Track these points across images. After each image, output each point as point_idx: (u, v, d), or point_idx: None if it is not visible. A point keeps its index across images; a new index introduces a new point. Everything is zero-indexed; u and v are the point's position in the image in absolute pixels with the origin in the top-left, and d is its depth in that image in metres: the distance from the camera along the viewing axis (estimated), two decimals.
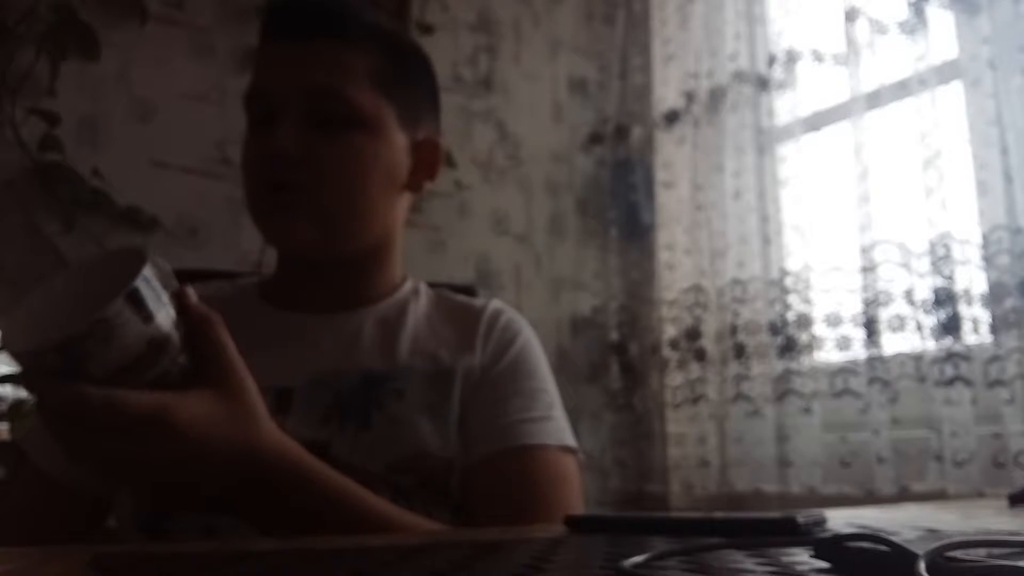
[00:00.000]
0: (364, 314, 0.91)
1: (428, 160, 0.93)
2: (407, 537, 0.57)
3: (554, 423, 0.88)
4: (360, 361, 0.86)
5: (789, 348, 1.91)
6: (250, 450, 0.64)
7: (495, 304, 0.95)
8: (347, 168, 0.84)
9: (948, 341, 1.63)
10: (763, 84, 2.08)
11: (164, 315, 0.58)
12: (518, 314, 0.96)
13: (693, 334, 2.11)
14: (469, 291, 1.12)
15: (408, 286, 0.97)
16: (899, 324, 1.72)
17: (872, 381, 1.73)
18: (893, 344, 1.73)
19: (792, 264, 1.95)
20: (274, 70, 0.85)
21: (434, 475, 0.82)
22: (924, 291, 1.69)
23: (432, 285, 1.00)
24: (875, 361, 1.73)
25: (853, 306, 1.82)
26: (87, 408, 0.55)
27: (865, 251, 1.77)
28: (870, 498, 1.68)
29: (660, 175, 2.30)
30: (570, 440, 0.88)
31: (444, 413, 0.84)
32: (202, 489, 0.63)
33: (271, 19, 0.87)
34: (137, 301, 0.56)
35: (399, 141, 0.88)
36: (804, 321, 1.90)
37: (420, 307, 0.94)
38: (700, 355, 2.09)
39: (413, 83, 0.92)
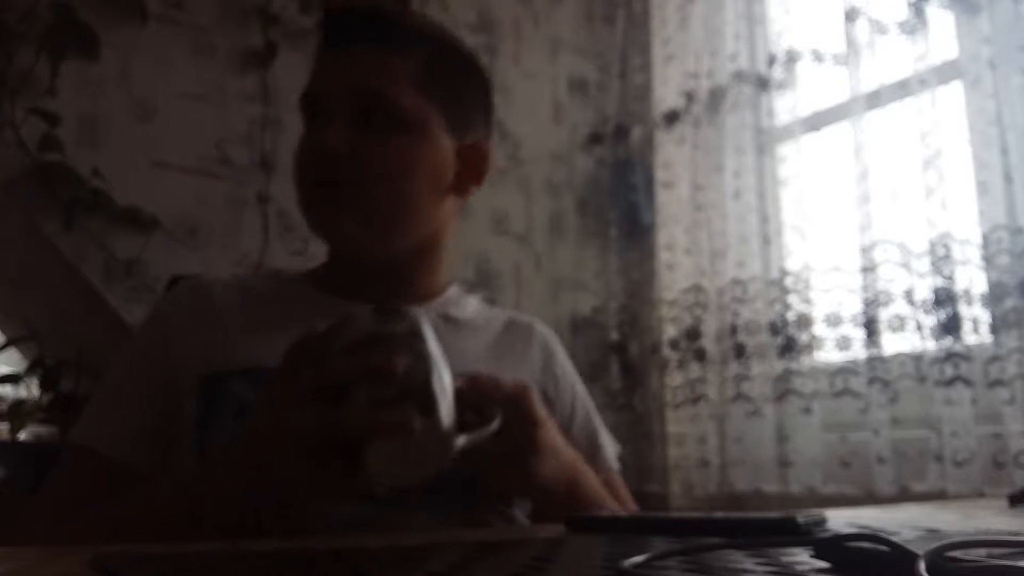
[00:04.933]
0: (427, 310, 0.91)
1: (475, 165, 0.95)
2: (406, 538, 0.57)
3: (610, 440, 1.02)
4: None
5: (789, 348, 1.91)
6: (570, 453, 0.79)
7: (539, 325, 1.03)
8: (392, 168, 0.87)
9: (948, 341, 1.63)
10: (763, 84, 2.07)
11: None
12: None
13: (693, 334, 2.11)
14: None
15: (454, 290, 1.00)
16: (899, 324, 1.72)
17: (872, 381, 1.73)
18: (893, 344, 1.73)
19: (792, 264, 1.95)
20: (325, 74, 0.89)
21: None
22: (924, 291, 1.69)
23: None
24: (875, 361, 1.73)
25: (853, 306, 1.82)
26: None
27: (865, 251, 1.77)
28: (870, 498, 1.68)
29: (660, 175, 2.30)
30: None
31: None
32: (564, 470, 0.76)
33: (325, 26, 0.92)
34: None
35: (445, 144, 0.91)
36: (804, 321, 1.90)
37: (471, 311, 0.99)
38: (700, 355, 2.09)
39: (461, 87, 0.94)
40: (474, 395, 0.68)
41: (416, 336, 0.64)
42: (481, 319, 0.99)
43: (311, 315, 0.76)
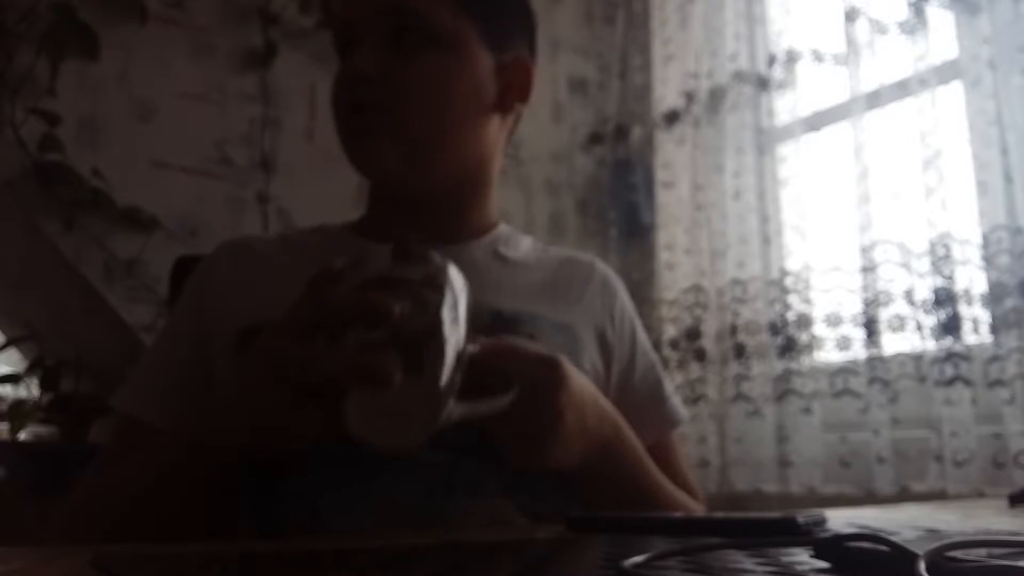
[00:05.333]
0: (476, 247, 0.88)
1: (518, 82, 0.89)
2: (404, 538, 0.57)
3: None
4: (484, 296, 0.79)
5: (789, 348, 1.91)
6: (606, 401, 0.74)
7: (600, 264, 0.96)
8: (427, 86, 0.82)
9: (948, 341, 1.63)
10: (763, 84, 2.07)
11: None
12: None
13: (693, 334, 2.11)
14: None
15: (505, 227, 0.94)
16: (899, 324, 1.72)
17: (872, 381, 1.73)
18: (893, 344, 1.73)
19: (792, 264, 1.95)
20: None
21: None
22: (924, 291, 1.69)
23: None
24: (875, 361, 1.73)
25: (853, 306, 1.82)
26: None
27: (865, 251, 1.77)
28: (870, 498, 1.68)
29: (660, 175, 2.30)
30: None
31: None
32: (591, 440, 0.70)
33: None
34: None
35: (484, 61, 0.86)
36: (804, 321, 1.90)
37: (524, 249, 0.93)
38: (700, 355, 2.09)
39: (499, 1, 0.90)
40: (493, 362, 0.62)
41: (431, 285, 0.58)
42: (534, 257, 0.93)
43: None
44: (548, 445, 0.66)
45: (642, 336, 0.94)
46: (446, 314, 0.57)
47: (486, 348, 0.62)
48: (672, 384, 0.95)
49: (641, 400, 0.88)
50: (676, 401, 0.94)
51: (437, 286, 0.58)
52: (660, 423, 0.90)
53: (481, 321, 0.77)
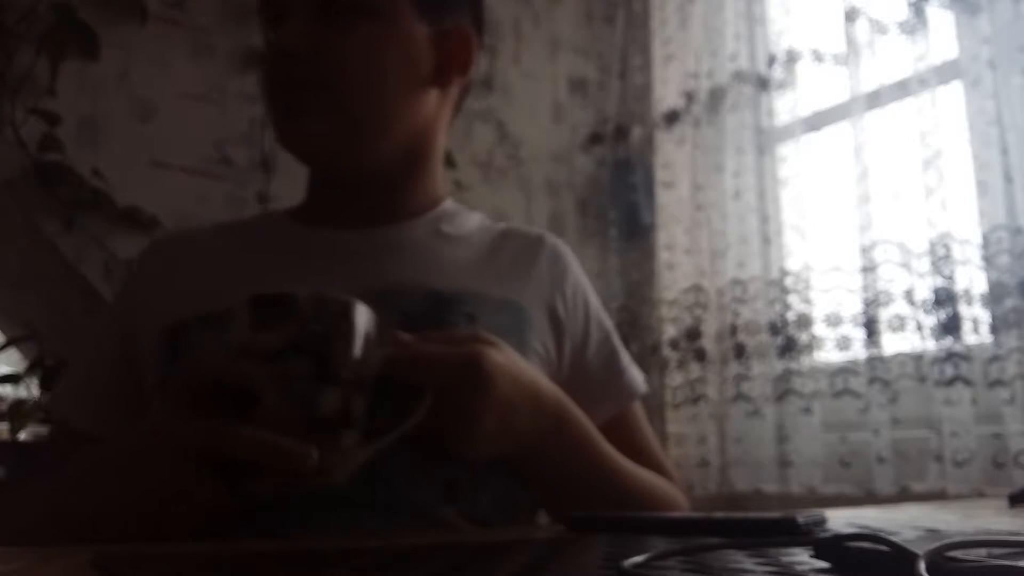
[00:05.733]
0: (416, 225, 0.85)
1: (457, 53, 0.85)
2: (404, 538, 0.57)
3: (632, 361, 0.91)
4: (424, 277, 0.79)
5: (789, 348, 1.91)
6: (548, 389, 0.70)
7: (550, 237, 0.91)
8: (358, 59, 0.78)
9: (948, 341, 1.63)
10: (763, 84, 2.08)
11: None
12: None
13: (693, 334, 2.11)
14: None
15: (451, 204, 0.90)
16: (899, 324, 1.72)
17: (872, 381, 1.73)
18: (893, 344, 1.73)
19: (792, 264, 1.95)
20: None
21: None
22: (924, 291, 1.69)
23: None
24: (875, 361, 1.73)
25: (853, 306, 1.82)
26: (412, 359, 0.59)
27: (865, 251, 1.77)
28: (870, 498, 1.68)
29: (660, 175, 2.30)
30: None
31: (517, 347, 0.74)
32: (521, 436, 0.66)
33: None
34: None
35: (418, 30, 0.81)
36: (804, 321, 1.90)
37: (471, 226, 0.89)
38: (700, 355, 2.09)
39: None
40: (403, 371, 0.59)
41: (295, 346, 0.54)
42: (479, 234, 0.89)
43: (283, 250, 0.72)
44: (467, 447, 0.64)
45: (596, 309, 0.90)
46: (335, 361, 0.54)
47: (397, 356, 0.59)
48: (628, 357, 0.90)
49: (596, 374, 0.85)
50: (634, 372, 0.89)
51: (300, 344, 0.54)
52: (618, 396, 0.86)
53: (418, 302, 0.76)
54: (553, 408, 0.71)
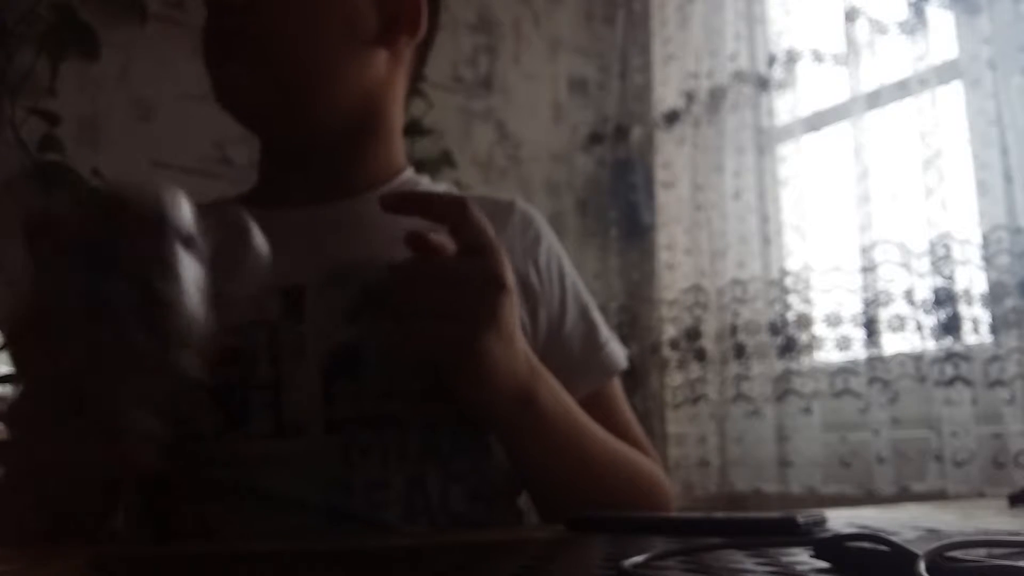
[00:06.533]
0: (373, 198, 0.78)
1: (404, 12, 0.80)
2: (402, 538, 0.57)
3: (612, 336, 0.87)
4: (384, 250, 0.72)
5: (789, 348, 1.91)
6: (527, 356, 0.67)
7: (521, 203, 0.86)
8: (291, 11, 0.75)
9: (948, 341, 1.63)
10: (763, 84, 2.08)
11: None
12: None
13: (693, 334, 2.11)
14: None
15: (410, 174, 0.86)
16: (899, 324, 1.72)
17: (872, 381, 1.73)
18: (893, 344, 1.73)
19: (792, 264, 1.95)
20: None
21: None
22: (924, 291, 1.69)
23: None
24: (875, 361, 1.73)
25: (853, 306, 1.82)
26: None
27: (865, 251, 1.77)
28: (870, 498, 1.68)
29: (660, 175, 2.30)
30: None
31: None
32: (519, 379, 0.65)
33: None
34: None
35: None
36: (804, 321, 1.90)
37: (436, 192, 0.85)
38: (700, 355, 2.09)
39: None
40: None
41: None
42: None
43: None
44: (471, 380, 0.63)
45: (572, 280, 0.85)
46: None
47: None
48: (608, 330, 0.86)
49: (574, 348, 0.81)
50: (614, 346, 0.85)
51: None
52: (597, 372, 0.83)
53: (380, 277, 0.70)
54: (529, 359, 0.69)
